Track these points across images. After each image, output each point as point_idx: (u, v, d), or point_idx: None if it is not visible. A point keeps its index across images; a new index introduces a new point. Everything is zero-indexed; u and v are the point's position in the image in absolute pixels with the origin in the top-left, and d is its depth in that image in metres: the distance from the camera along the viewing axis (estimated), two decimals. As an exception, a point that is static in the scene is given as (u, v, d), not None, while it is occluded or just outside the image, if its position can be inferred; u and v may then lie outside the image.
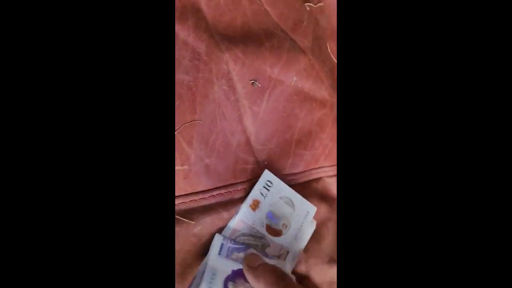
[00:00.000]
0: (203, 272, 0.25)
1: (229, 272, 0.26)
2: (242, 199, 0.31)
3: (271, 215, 0.30)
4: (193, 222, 0.27)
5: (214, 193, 0.29)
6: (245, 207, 0.30)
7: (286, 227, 0.31)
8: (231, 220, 0.29)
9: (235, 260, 0.27)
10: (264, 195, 0.31)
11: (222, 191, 0.30)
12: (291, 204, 0.31)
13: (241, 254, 0.27)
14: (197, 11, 0.29)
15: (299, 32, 0.35)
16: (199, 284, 0.24)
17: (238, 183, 0.31)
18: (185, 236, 0.27)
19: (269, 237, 0.30)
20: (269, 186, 0.31)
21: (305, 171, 0.37)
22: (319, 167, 0.38)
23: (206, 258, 0.27)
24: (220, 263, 0.26)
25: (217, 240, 0.27)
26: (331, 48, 0.39)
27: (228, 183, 0.31)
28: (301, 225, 0.32)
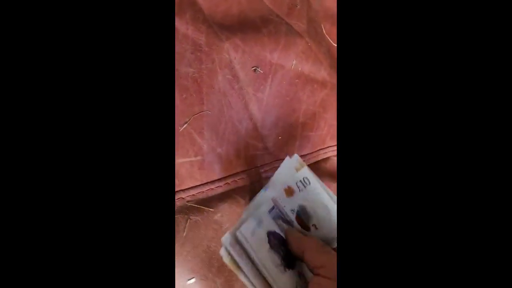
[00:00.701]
0: (251, 215, 0.26)
1: (272, 230, 0.27)
2: (256, 183, 0.32)
3: (302, 209, 0.29)
4: (212, 210, 0.28)
5: (229, 180, 0.30)
6: (280, 189, 0.29)
7: (316, 228, 0.29)
8: (264, 191, 0.29)
9: (279, 226, 0.28)
10: (300, 188, 0.29)
11: (236, 178, 0.31)
12: (327, 210, 0.29)
13: (284, 224, 0.28)
14: (193, 4, 0.29)
15: (293, 16, 0.35)
16: (244, 221, 0.25)
17: (251, 169, 0.32)
18: (207, 224, 0.28)
19: (296, 225, 0.29)
20: (305, 183, 0.29)
21: (313, 152, 0.37)
22: (327, 147, 0.38)
23: (254, 208, 0.27)
24: (267, 220, 0.27)
25: (269, 201, 0.28)
26: (326, 30, 0.39)
27: (240, 169, 0.31)
28: (335, 237, 0.29)
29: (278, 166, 0.34)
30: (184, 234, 0.27)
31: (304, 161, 0.37)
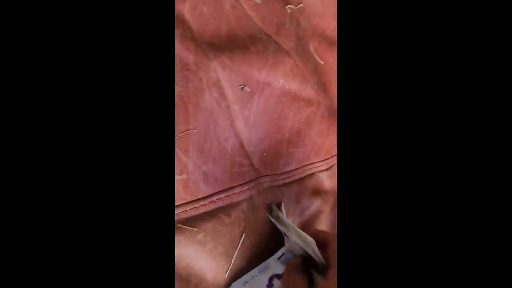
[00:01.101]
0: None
1: (279, 272, 0.30)
2: (241, 203, 0.32)
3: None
4: (195, 229, 0.28)
5: (214, 198, 0.30)
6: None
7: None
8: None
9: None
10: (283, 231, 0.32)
11: (221, 195, 0.31)
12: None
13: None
14: (182, 22, 0.29)
15: (282, 35, 0.36)
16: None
17: (236, 186, 0.32)
18: (189, 244, 0.28)
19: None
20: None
21: (298, 169, 0.38)
22: (311, 163, 0.39)
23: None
24: (276, 265, 0.30)
25: (281, 249, 0.32)
26: (314, 48, 0.40)
27: (226, 187, 0.31)
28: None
29: (263, 182, 0.35)
30: (167, 254, 0.27)
31: (288, 177, 0.37)
